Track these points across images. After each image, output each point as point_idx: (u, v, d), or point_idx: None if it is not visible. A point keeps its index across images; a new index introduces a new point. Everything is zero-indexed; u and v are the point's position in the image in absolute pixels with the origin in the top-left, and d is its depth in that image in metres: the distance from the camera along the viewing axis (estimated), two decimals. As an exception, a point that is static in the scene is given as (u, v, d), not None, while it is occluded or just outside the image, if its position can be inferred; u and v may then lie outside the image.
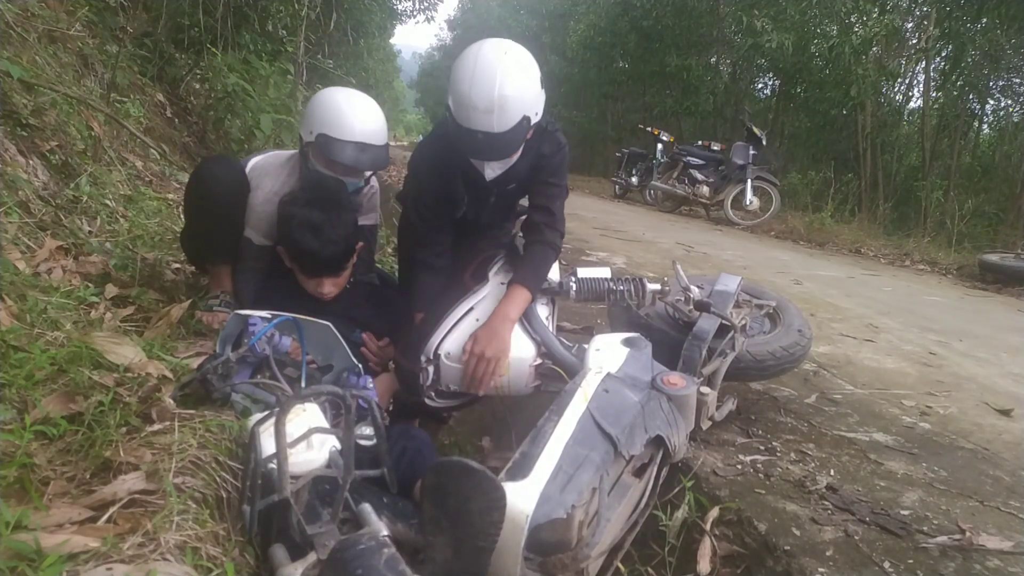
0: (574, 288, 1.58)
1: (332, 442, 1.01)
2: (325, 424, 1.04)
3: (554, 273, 1.60)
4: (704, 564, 1.13)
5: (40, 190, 1.86)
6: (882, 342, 2.41)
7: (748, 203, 6.30)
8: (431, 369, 1.40)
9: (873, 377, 1.99)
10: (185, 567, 0.82)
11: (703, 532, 1.18)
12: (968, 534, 1.09)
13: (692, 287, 1.58)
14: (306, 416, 1.05)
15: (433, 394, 1.44)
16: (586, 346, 1.41)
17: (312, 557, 0.85)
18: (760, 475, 1.32)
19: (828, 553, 1.06)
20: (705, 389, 1.30)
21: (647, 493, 1.12)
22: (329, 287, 1.52)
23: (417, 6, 11.11)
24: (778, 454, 1.42)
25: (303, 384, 1.21)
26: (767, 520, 1.15)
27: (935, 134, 7.38)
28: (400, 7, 10.48)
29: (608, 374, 1.18)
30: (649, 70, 11.62)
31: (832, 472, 1.34)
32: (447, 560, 0.87)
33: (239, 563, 0.91)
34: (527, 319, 1.44)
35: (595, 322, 2.24)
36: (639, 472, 1.10)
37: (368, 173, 1.69)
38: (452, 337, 1.40)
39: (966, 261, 4.76)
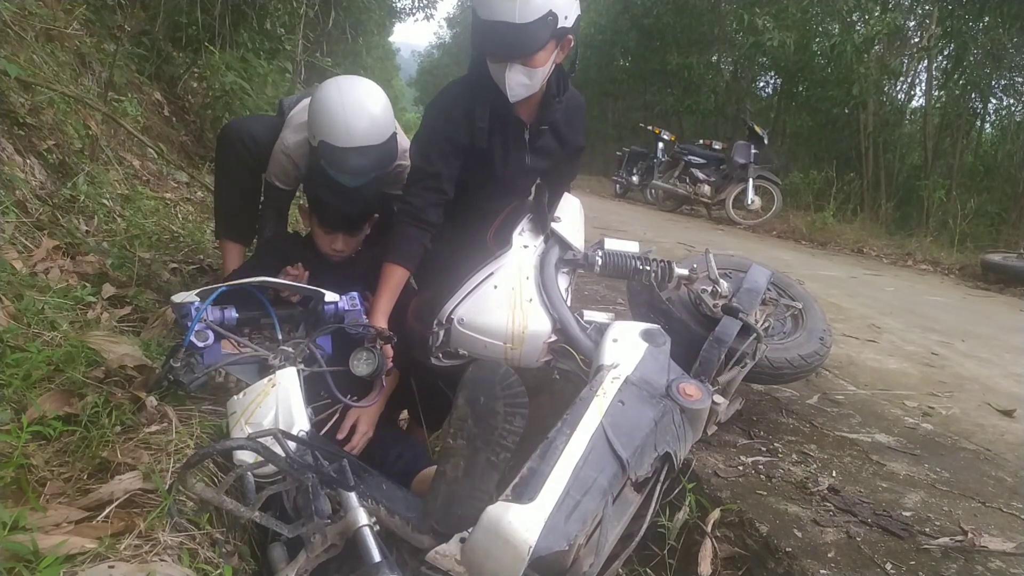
0: (599, 262, 1.50)
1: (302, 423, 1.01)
2: (298, 393, 1.04)
3: (578, 242, 1.53)
4: (705, 566, 1.13)
5: (37, 189, 1.86)
6: (884, 342, 2.40)
7: (750, 202, 6.27)
8: (441, 333, 1.37)
9: (875, 378, 1.98)
10: (184, 568, 0.81)
11: (703, 534, 1.17)
12: (970, 535, 1.09)
13: (721, 281, 1.51)
14: (275, 392, 1.04)
15: (441, 355, 1.40)
16: (605, 321, 1.37)
17: (302, 557, 0.85)
18: (762, 476, 1.31)
19: (830, 555, 1.05)
20: (719, 399, 1.25)
21: (649, 507, 1.09)
22: (342, 245, 1.54)
23: (416, 4, 11.06)
24: (780, 455, 1.41)
25: (278, 334, 1.22)
26: (769, 522, 1.14)
27: (937, 133, 7.35)
28: (399, 5, 10.45)
29: (625, 380, 1.13)
30: (650, 68, 11.58)
31: (834, 473, 1.33)
32: (455, 480, 0.92)
33: (236, 566, 0.90)
34: (546, 292, 1.38)
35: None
36: (640, 486, 1.07)
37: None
38: (467, 303, 1.36)
39: (968, 261, 4.74)
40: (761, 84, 10.77)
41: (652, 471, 1.05)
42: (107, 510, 0.85)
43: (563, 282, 1.47)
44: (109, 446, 0.97)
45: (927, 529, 1.13)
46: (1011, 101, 7.19)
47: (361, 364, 1.22)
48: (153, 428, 1.04)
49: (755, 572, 1.10)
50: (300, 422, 1.02)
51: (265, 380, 1.08)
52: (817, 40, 7.68)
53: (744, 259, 1.73)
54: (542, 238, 1.51)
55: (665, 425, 1.10)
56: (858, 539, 1.09)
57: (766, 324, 1.47)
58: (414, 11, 11.28)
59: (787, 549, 1.07)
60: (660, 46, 10.95)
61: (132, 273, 1.72)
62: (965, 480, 1.33)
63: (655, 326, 1.30)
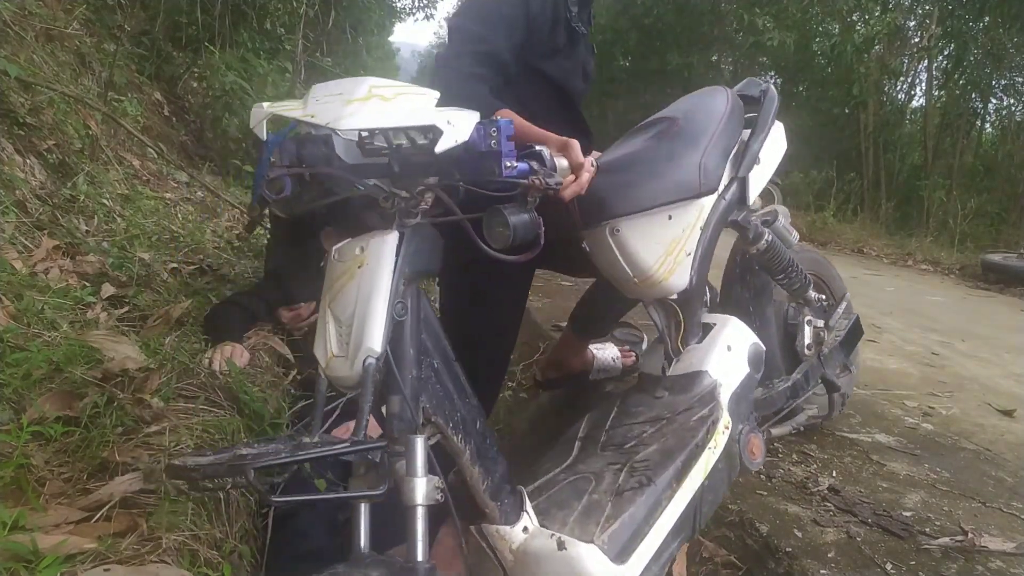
0: (764, 245, 1.29)
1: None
2: (384, 290, 0.71)
3: (755, 195, 1.35)
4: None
5: (37, 189, 1.86)
6: (884, 342, 2.40)
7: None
8: (585, 229, 1.16)
9: (875, 378, 1.98)
10: (183, 571, 0.81)
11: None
12: (970, 535, 1.09)
13: (833, 332, 1.42)
14: (360, 277, 0.73)
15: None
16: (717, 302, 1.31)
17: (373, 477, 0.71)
18: (762, 476, 1.31)
19: (830, 555, 1.05)
20: None
21: None
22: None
23: (416, 3, 11.06)
24: (780, 455, 1.41)
25: (394, 167, 0.73)
26: (769, 522, 1.14)
27: (937, 133, 7.35)
28: (399, 5, 10.44)
29: (729, 438, 1.06)
30: (650, 68, 11.58)
31: (834, 473, 1.33)
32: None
33: (236, 565, 0.90)
34: (702, 253, 1.20)
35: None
36: None
37: None
38: (635, 220, 1.15)
39: (968, 261, 4.75)
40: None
41: None
42: (103, 511, 0.85)
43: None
44: (109, 446, 0.97)
45: (927, 529, 1.13)
46: (1011, 101, 7.20)
47: (494, 231, 0.78)
48: (153, 428, 1.04)
49: (755, 572, 1.10)
50: (371, 341, 0.70)
51: (356, 250, 0.75)
52: (817, 40, 7.69)
53: (851, 307, 1.56)
54: (732, 177, 1.31)
55: (727, 489, 1.08)
56: (858, 539, 1.09)
57: None
58: (414, 11, 11.27)
59: (787, 549, 1.07)
60: (660, 46, 10.95)
61: (132, 273, 1.71)
62: (965, 480, 1.33)
63: (762, 348, 1.19)
